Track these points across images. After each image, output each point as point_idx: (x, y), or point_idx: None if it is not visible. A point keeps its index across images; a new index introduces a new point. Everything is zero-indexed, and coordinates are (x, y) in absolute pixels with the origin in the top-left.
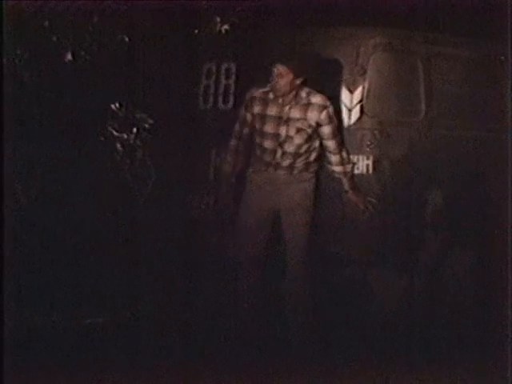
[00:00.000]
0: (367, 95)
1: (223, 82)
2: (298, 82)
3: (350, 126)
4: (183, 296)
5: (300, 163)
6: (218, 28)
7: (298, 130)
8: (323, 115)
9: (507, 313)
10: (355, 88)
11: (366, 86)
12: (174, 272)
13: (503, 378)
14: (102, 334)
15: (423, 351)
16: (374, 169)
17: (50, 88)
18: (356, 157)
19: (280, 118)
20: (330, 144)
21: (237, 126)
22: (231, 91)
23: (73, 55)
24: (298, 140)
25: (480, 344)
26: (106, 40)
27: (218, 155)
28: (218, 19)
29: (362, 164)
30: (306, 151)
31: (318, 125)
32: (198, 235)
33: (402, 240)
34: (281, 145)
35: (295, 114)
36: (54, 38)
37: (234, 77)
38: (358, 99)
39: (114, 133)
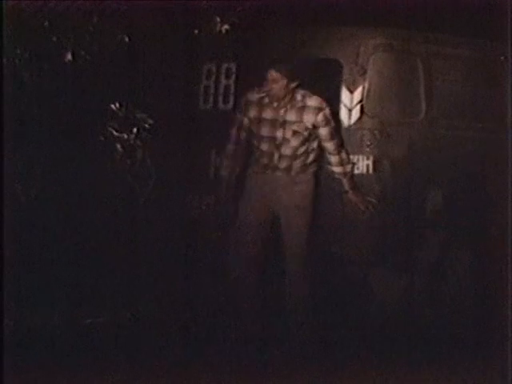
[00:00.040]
0: (367, 95)
1: (223, 82)
2: (292, 85)
3: (350, 126)
4: (183, 296)
5: (298, 165)
6: (218, 28)
7: (295, 133)
8: (319, 117)
9: (507, 313)
10: (355, 88)
11: (366, 86)
12: (174, 272)
13: (503, 378)
14: (101, 334)
15: (423, 351)
16: (374, 169)
17: (49, 88)
18: (356, 157)
19: (276, 121)
20: (329, 145)
21: (233, 131)
22: (231, 91)
23: (73, 55)
24: (295, 142)
25: (480, 344)
26: (106, 40)
27: (217, 155)
28: (218, 19)
29: (362, 164)
30: (303, 153)
31: (315, 127)
32: (198, 235)
33: (402, 240)
34: (277, 148)
35: (291, 116)
36: (54, 38)
37: (234, 77)
38: (358, 99)
39: (114, 133)
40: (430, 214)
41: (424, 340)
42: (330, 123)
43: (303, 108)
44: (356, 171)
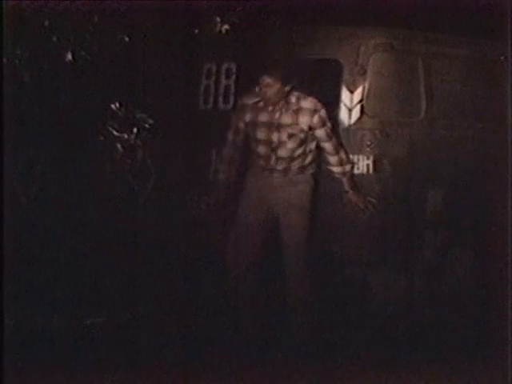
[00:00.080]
0: (367, 95)
1: (223, 82)
2: (286, 89)
3: (350, 126)
4: (183, 296)
5: (295, 166)
6: (218, 28)
7: (290, 136)
8: (315, 119)
9: (507, 313)
10: (355, 88)
11: (367, 86)
12: (173, 272)
13: (503, 378)
14: (101, 334)
15: (423, 351)
16: (374, 169)
17: (50, 88)
18: (356, 157)
19: (271, 124)
20: (327, 146)
21: (230, 135)
22: (231, 91)
23: (73, 55)
24: (291, 145)
25: (480, 344)
26: (107, 40)
27: (218, 155)
28: (219, 19)
29: (363, 164)
30: (300, 155)
31: (311, 128)
32: (198, 235)
33: (402, 240)
34: (274, 150)
35: (286, 119)
36: (54, 38)
37: (234, 77)
38: (358, 99)
39: (114, 133)
40: (430, 214)
41: (424, 340)
42: (327, 124)
43: (298, 110)
44: (356, 171)
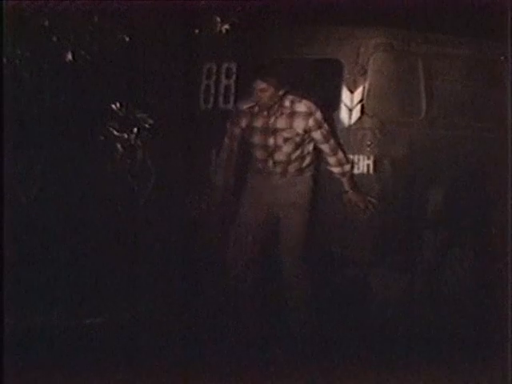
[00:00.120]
0: (368, 95)
1: (224, 81)
2: (280, 93)
3: (350, 126)
4: (183, 296)
5: (293, 169)
6: (218, 28)
7: (286, 140)
8: (310, 122)
9: (507, 313)
10: (356, 88)
11: (367, 85)
12: (173, 272)
13: (503, 378)
14: (101, 334)
15: (423, 351)
16: (374, 168)
17: (50, 88)
18: (357, 156)
19: (267, 129)
20: (324, 147)
21: (226, 141)
22: (232, 91)
23: (73, 55)
24: (287, 149)
25: (480, 344)
26: (107, 40)
27: (215, 160)
28: (219, 19)
29: (363, 164)
30: (297, 158)
31: (307, 131)
32: (198, 235)
33: (403, 240)
34: (271, 154)
35: (281, 124)
36: (55, 38)
37: (234, 77)
38: (359, 99)
39: (115, 133)
40: (430, 214)
41: (424, 340)
42: (323, 126)
43: (292, 114)
44: (356, 171)
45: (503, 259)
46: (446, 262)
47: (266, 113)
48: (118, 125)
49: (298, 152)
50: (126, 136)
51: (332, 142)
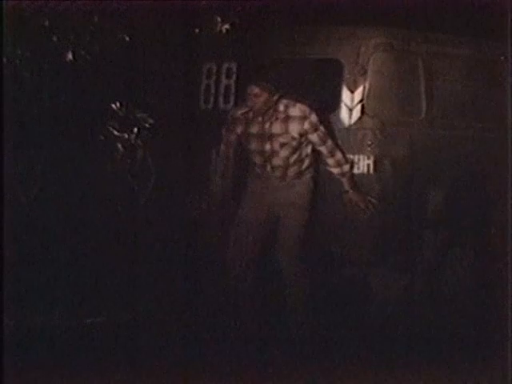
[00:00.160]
0: (368, 95)
1: (224, 81)
2: (274, 98)
3: (350, 126)
4: (183, 296)
5: (292, 172)
6: (218, 28)
7: (283, 145)
8: (306, 126)
9: (507, 313)
10: (356, 88)
11: (367, 85)
12: (174, 272)
13: (503, 378)
14: (102, 334)
15: (423, 351)
16: (374, 168)
17: (50, 88)
18: (357, 156)
19: (262, 135)
20: (322, 149)
21: (223, 148)
22: (232, 91)
23: (73, 55)
24: (284, 153)
25: (480, 344)
26: (107, 40)
27: (216, 161)
28: (219, 19)
29: (363, 164)
30: (296, 161)
31: (303, 135)
32: (198, 235)
33: (403, 239)
34: (268, 160)
35: (276, 129)
36: (55, 38)
37: (234, 76)
38: (359, 99)
39: (115, 132)
40: (430, 214)
41: (424, 340)
42: (319, 129)
43: (287, 119)
44: (357, 171)
45: (503, 259)
46: (446, 262)
47: (260, 118)
48: (118, 125)
49: (295, 156)
50: (126, 136)
51: (330, 143)
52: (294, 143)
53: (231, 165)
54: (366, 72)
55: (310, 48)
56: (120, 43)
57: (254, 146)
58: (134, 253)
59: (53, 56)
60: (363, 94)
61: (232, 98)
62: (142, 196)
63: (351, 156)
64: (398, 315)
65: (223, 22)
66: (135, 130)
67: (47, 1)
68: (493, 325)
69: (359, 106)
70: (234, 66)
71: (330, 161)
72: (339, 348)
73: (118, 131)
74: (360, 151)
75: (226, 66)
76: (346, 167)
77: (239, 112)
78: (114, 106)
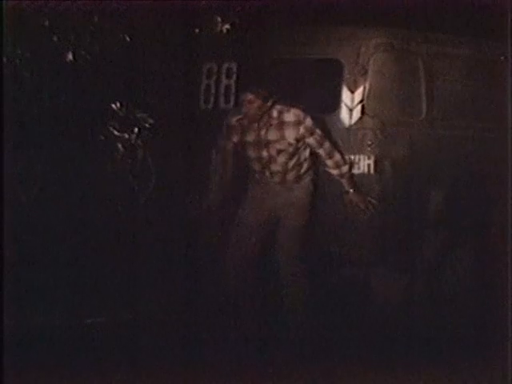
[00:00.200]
0: (368, 95)
1: (224, 81)
2: (268, 104)
3: (351, 126)
4: (183, 296)
5: (291, 177)
6: (218, 28)
7: (280, 151)
8: (301, 131)
9: (507, 313)
10: (356, 88)
11: (367, 85)
12: (174, 272)
13: (503, 378)
14: (102, 334)
15: (423, 351)
16: (375, 169)
17: (50, 88)
18: (357, 157)
19: (259, 142)
20: (320, 151)
21: (219, 157)
22: (232, 91)
23: (73, 55)
24: (282, 159)
25: (480, 344)
26: (107, 40)
27: (218, 157)
28: (219, 19)
29: (364, 164)
30: (294, 165)
31: (300, 140)
32: (198, 235)
33: (403, 240)
34: (267, 166)
35: (272, 136)
36: (55, 38)
37: (234, 76)
38: (359, 99)
39: (115, 132)
40: (430, 214)
41: (424, 340)
42: (315, 132)
43: (282, 125)
44: (357, 171)
45: (503, 259)
46: (446, 262)
47: (256, 125)
48: (118, 125)
49: (293, 160)
50: (126, 136)
51: (327, 145)
52: (291, 149)
53: (230, 172)
54: (366, 72)
55: (311, 48)
56: (120, 43)
57: (251, 153)
58: (134, 253)
59: (53, 56)
60: (363, 94)
61: (232, 98)
62: (141, 196)
63: (351, 156)
64: (398, 315)
65: (223, 22)
66: (135, 130)
67: (47, 1)
68: (493, 325)
69: (359, 106)
70: (234, 66)
71: (329, 162)
72: (339, 348)
73: (119, 131)
74: (360, 151)
75: (226, 65)
76: (345, 168)
77: (234, 119)
78: (114, 106)
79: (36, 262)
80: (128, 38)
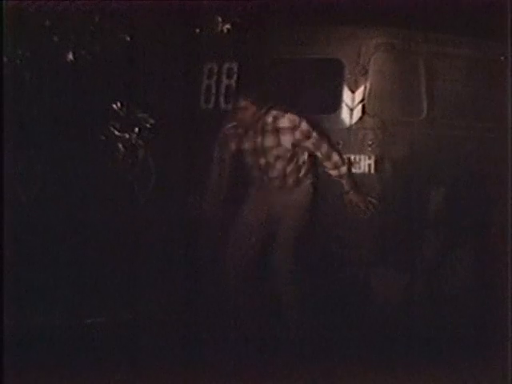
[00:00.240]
0: (369, 95)
1: (225, 81)
2: (263, 111)
3: (351, 126)
4: (183, 296)
5: (291, 181)
6: (219, 28)
7: (277, 158)
8: (297, 136)
9: (507, 313)
10: (357, 88)
11: (368, 85)
12: (174, 272)
13: (503, 378)
14: (102, 334)
15: (423, 351)
16: (375, 168)
17: (51, 88)
18: (358, 156)
19: (256, 149)
20: (318, 154)
21: (216, 166)
22: (233, 91)
23: (74, 55)
24: (280, 165)
25: (480, 344)
26: (108, 40)
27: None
28: (220, 19)
29: (364, 164)
30: (293, 170)
31: (297, 145)
32: (198, 235)
33: (403, 239)
34: (265, 173)
35: (268, 143)
36: (55, 38)
37: (235, 76)
38: (360, 99)
39: (116, 132)
40: (431, 213)
41: (424, 340)
42: (311, 135)
43: (277, 131)
44: (358, 171)
45: (503, 259)
46: (446, 262)
47: (252, 133)
48: (119, 125)
49: (292, 165)
50: (127, 136)
51: (324, 147)
52: (289, 154)
53: (229, 180)
54: (366, 72)
55: (311, 48)
56: (121, 43)
57: (248, 161)
58: (134, 253)
59: (53, 56)
60: (364, 94)
61: (233, 98)
62: (142, 196)
63: (352, 156)
64: (398, 315)
65: (224, 21)
66: (136, 130)
67: (47, 1)
68: (493, 325)
69: (360, 106)
70: (234, 66)
71: (327, 164)
72: (339, 348)
73: (119, 131)
74: (361, 151)
75: (226, 65)
76: (344, 169)
77: (229, 127)
78: (114, 106)
79: (36, 262)
80: (128, 38)
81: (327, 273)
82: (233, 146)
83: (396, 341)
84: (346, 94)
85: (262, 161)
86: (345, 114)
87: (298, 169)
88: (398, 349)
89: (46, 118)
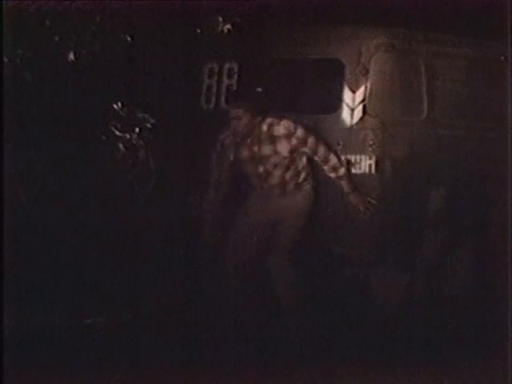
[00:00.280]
0: (369, 95)
1: (225, 81)
2: (258, 119)
3: (352, 126)
4: (183, 296)
5: (291, 186)
6: (220, 28)
7: (275, 165)
8: (293, 142)
9: (507, 313)
10: (358, 88)
11: (369, 85)
12: (174, 272)
13: (503, 378)
14: (102, 334)
15: (423, 351)
16: (376, 168)
17: (51, 88)
18: (358, 157)
19: (253, 158)
20: (315, 158)
21: (214, 175)
22: (233, 91)
23: (74, 55)
24: (279, 172)
25: (480, 344)
26: (108, 40)
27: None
28: (220, 19)
29: (365, 164)
30: (292, 176)
31: (294, 151)
32: (198, 235)
33: (403, 239)
34: (264, 180)
35: (265, 151)
36: (56, 38)
37: (236, 76)
38: (361, 99)
39: (116, 132)
40: (431, 213)
41: (424, 340)
42: (308, 141)
43: (273, 139)
44: (358, 171)
45: (503, 259)
46: (446, 262)
47: (248, 141)
48: (119, 125)
49: (290, 171)
50: (127, 136)
51: (322, 151)
52: (287, 161)
53: (228, 187)
54: (367, 72)
55: (312, 48)
56: (121, 43)
57: (247, 169)
58: (134, 253)
59: (54, 56)
60: (365, 94)
61: (233, 98)
62: (142, 196)
63: (353, 156)
64: (398, 315)
65: (224, 22)
66: (137, 130)
67: (47, 1)
68: (493, 325)
69: (361, 106)
70: (235, 66)
71: (325, 167)
72: (339, 348)
73: (120, 131)
74: (362, 151)
75: (227, 65)
76: (342, 171)
77: (224, 136)
78: (115, 106)
79: (36, 262)
80: (129, 38)
81: (327, 273)
82: (231, 156)
83: (396, 341)
84: (347, 95)
85: (261, 169)
86: (345, 114)
87: (298, 174)
88: (398, 349)
89: (46, 117)
